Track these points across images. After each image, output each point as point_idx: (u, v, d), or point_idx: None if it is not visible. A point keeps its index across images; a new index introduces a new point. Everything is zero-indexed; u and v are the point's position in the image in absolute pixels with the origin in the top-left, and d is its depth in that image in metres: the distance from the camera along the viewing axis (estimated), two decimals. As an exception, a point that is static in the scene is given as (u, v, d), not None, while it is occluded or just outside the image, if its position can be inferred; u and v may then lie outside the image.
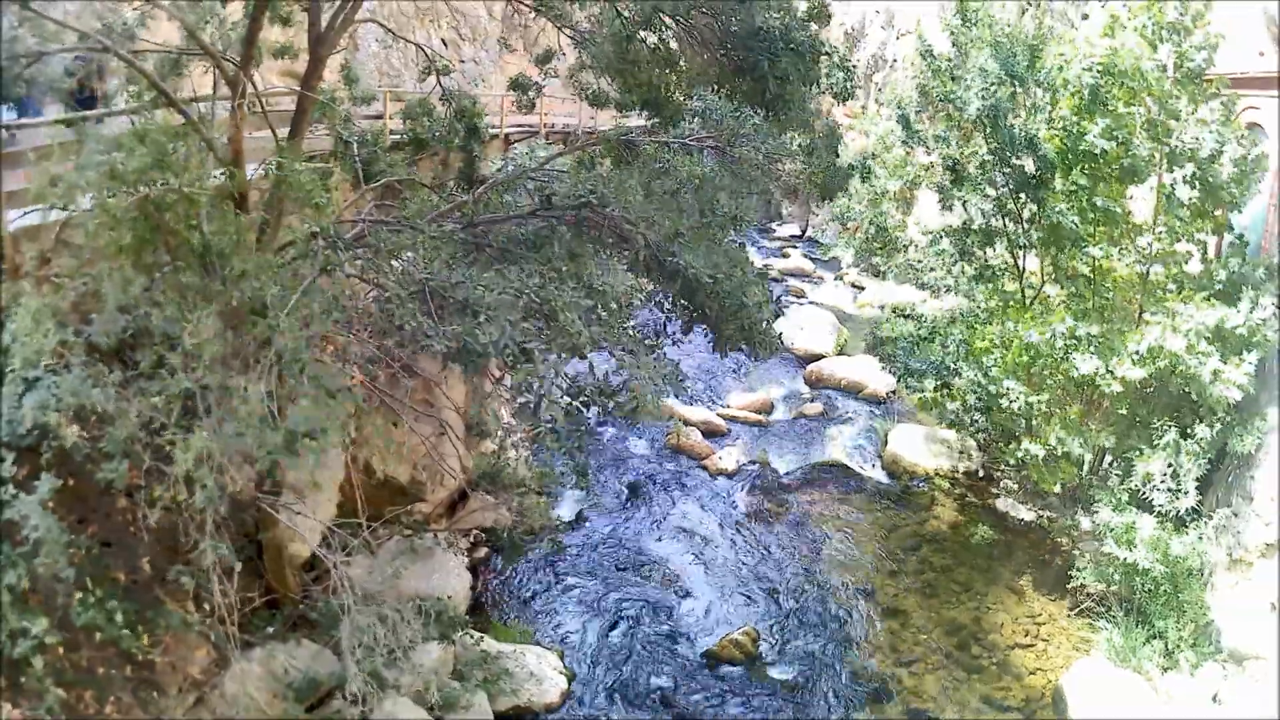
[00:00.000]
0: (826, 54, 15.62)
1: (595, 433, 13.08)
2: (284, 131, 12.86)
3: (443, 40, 24.37)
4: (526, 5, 13.83)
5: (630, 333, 13.91)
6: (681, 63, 14.59)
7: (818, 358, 32.69)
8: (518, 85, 17.88)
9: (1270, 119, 18.23)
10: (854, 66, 18.08)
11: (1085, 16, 31.72)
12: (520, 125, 24.96)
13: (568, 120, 27.44)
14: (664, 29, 12.50)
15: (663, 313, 15.42)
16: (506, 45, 16.45)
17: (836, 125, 21.63)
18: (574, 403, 13.17)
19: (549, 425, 12.99)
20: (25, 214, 9.77)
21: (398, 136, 18.06)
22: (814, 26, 15.53)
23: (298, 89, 13.09)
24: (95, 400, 8.70)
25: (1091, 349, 16.94)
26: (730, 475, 23.29)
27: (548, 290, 12.12)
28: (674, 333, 15.68)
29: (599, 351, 13.18)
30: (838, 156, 21.30)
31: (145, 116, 10.47)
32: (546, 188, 14.58)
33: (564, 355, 12.58)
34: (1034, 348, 17.69)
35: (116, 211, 9.03)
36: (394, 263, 12.40)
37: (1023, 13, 36.75)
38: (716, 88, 15.49)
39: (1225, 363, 15.89)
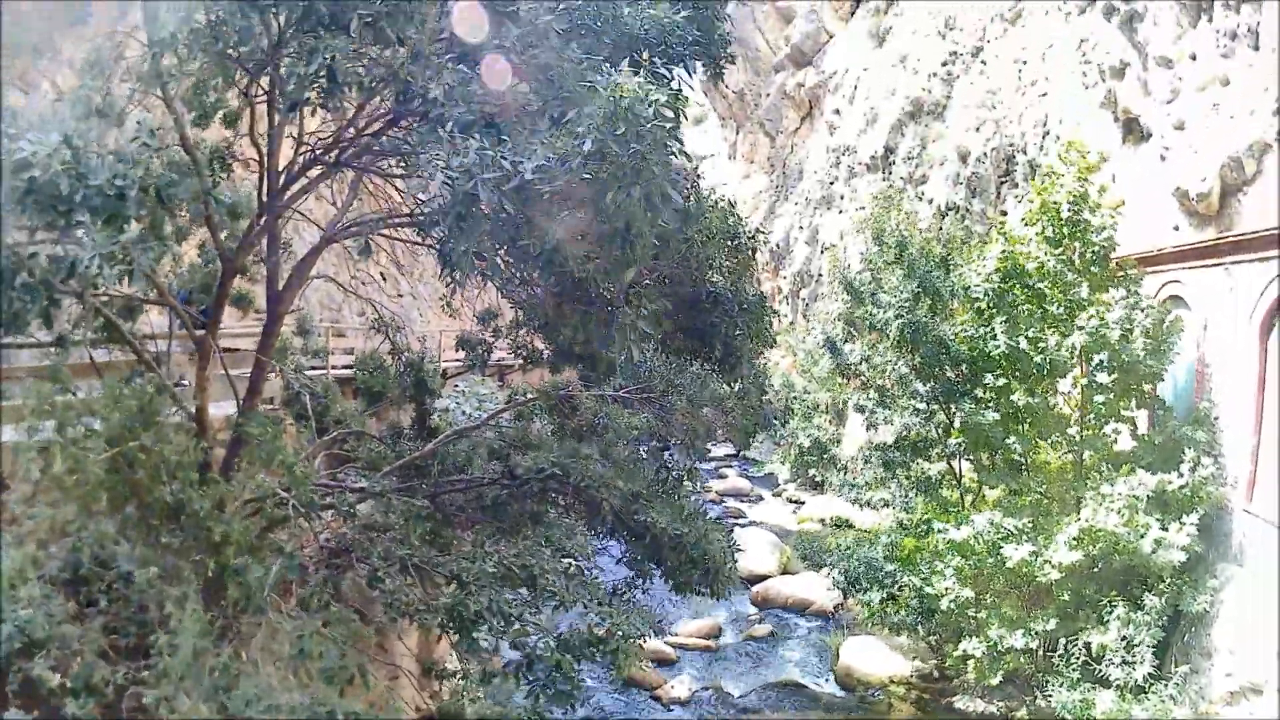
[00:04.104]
0: (774, 311, 17.18)
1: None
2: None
3: (381, 274, 25.85)
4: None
5: (600, 586, 15.10)
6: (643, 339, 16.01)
7: (763, 578, 33.37)
8: (465, 343, 19.28)
9: (1191, 292, 19.77)
10: (778, 314, 19.74)
11: (1004, 214, 34.01)
12: (457, 359, 26.22)
13: (503, 355, 28.75)
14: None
15: (630, 568, 16.54)
16: (449, 306, 17.94)
17: (764, 370, 23.15)
18: (565, 658, 14.05)
19: (540, 683, 13.78)
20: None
21: (339, 372, 19.31)
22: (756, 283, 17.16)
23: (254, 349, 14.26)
24: (67, 636, 9.44)
25: (1025, 539, 18.01)
26: (684, 703, 23.75)
27: (524, 558, 13.36)
28: (638, 584, 16.73)
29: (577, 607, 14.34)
30: (762, 402, 22.66)
31: (117, 371, 11.58)
32: (503, 451, 15.87)
33: (549, 615, 13.69)
34: (965, 545, 18.75)
35: (88, 465, 10.00)
36: (374, 537, 13.43)
37: (942, 216, 39.58)
38: (663, 346, 16.93)
39: (1166, 529, 16.92)
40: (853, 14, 61.61)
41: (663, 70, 12.47)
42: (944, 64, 44.95)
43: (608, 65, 10.55)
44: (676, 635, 28.15)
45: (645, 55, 11.29)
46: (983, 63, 41.35)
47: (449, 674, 17.02)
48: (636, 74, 9.76)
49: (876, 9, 57.28)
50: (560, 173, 9.44)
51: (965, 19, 44.27)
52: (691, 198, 15.00)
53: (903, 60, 50.44)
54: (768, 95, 69.70)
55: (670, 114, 9.78)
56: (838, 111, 58.96)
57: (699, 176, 13.42)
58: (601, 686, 24.46)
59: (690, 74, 14.21)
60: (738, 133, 77.62)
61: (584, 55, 10.92)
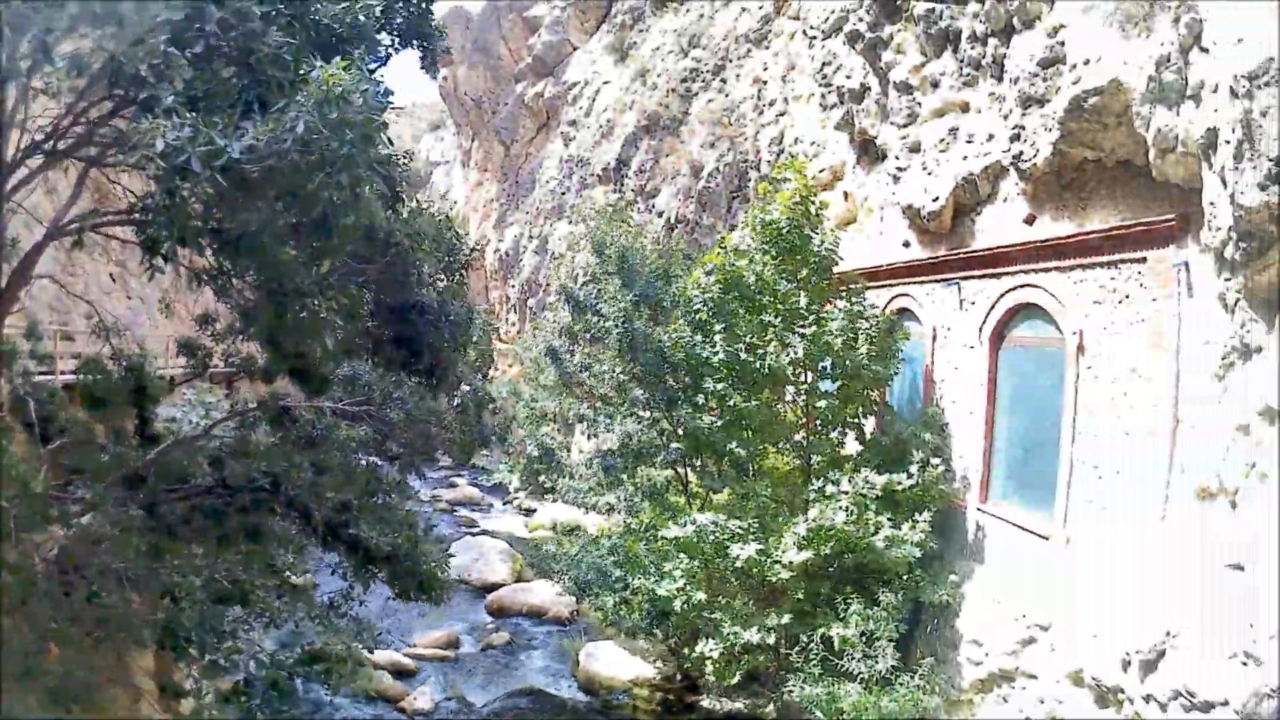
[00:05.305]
0: (483, 323, 17.47)
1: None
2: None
3: (110, 275, 24.65)
4: (189, 268, 14.74)
5: (315, 603, 15.15)
6: (336, 333, 15.97)
7: (497, 586, 33.84)
8: (188, 347, 18.72)
9: (921, 306, 21.04)
10: (497, 330, 20.21)
11: (733, 227, 35.30)
12: (185, 367, 25.40)
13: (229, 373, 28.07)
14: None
15: (344, 579, 16.62)
16: (168, 308, 17.39)
17: (485, 387, 23.51)
18: (281, 675, 13.93)
19: (257, 703, 13.62)
20: None
21: (66, 378, 18.49)
22: (464, 299, 17.57)
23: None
24: None
25: (751, 538, 18.53)
26: (427, 714, 23.79)
27: (234, 573, 13.25)
28: (357, 596, 16.86)
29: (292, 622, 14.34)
30: (482, 419, 23.05)
31: None
32: (221, 462, 15.60)
33: (261, 632, 13.61)
34: (690, 544, 19.00)
35: None
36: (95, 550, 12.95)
37: (671, 229, 40.87)
38: (371, 356, 17.05)
39: (899, 527, 17.78)
40: (598, 28, 62.78)
41: (369, 65, 12.78)
42: (684, 80, 46.33)
43: (312, 54, 10.92)
44: (415, 646, 28.15)
45: (343, 45, 11.57)
46: (723, 80, 42.87)
47: (186, 693, 16.51)
48: (347, 69, 10.10)
49: (622, 24, 58.57)
50: (268, 155, 9.54)
51: (709, 38, 45.84)
52: (403, 192, 15.27)
53: (642, 75, 51.82)
54: (506, 104, 70.00)
55: (379, 107, 10.11)
56: (574, 123, 59.90)
57: (408, 173, 13.69)
58: (343, 701, 24.13)
59: (384, 65, 14.52)
60: (473, 140, 77.49)
61: (283, 41, 11.05)
